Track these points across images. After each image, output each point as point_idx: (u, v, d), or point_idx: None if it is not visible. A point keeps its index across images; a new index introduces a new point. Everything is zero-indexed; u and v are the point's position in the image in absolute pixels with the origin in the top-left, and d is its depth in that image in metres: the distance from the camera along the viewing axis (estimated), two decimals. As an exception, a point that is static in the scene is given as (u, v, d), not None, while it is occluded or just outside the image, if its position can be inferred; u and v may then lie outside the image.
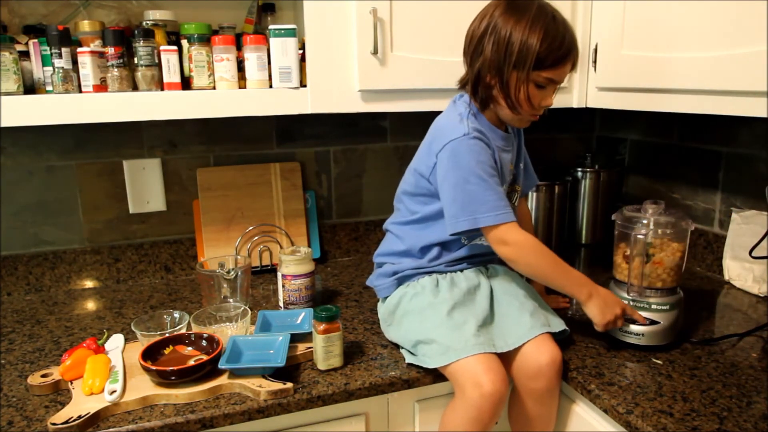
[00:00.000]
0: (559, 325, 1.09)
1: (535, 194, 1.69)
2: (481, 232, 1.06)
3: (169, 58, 1.24)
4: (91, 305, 1.39)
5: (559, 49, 1.00)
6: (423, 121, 1.20)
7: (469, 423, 0.98)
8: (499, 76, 1.03)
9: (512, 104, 1.04)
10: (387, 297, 1.18)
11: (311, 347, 1.07)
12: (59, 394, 0.99)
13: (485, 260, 1.18)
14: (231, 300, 1.26)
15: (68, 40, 1.20)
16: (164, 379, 0.97)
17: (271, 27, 1.26)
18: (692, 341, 1.12)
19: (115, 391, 0.94)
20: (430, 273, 1.14)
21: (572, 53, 1.03)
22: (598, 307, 1.04)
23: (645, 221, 1.08)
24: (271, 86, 1.29)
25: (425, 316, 1.08)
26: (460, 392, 1.00)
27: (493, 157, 1.06)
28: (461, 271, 1.15)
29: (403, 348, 1.11)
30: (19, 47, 1.22)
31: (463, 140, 1.03)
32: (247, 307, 1.17)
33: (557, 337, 1.07)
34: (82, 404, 0.93)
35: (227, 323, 1.13)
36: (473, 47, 1.06)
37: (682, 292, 1.11)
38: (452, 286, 1.11)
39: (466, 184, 1.02)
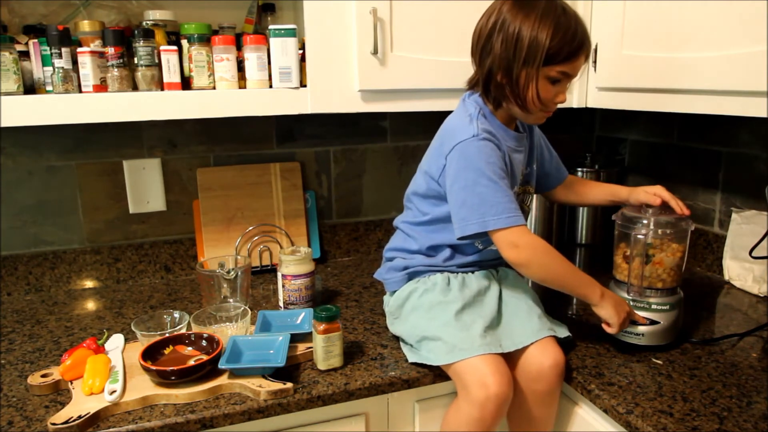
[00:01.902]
0: (563, 331, 1.09)
1: (535, 195, 1.68)
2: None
3: (169, 58, 1.24)
4: (91, 305, 1.39)
5: (572, 42, 0.99)
6: (423, 121, 1.21)
7: (472, 423, 0.98)
8: (509, 74, 1.01)
9: (522, 103, 1.03)
10: (395, 291, 1.17)
11: (311, 347, 1.07)
12: (59, 394, 0.99)
13: (495, 263, 1.18)
14: (231, 300, 1.26)
15: (68, 40, 1.20)
16: (164, 379, 0.97)
17: (271, 27, 1.26)
18: (692, 341, 1.12)
19: (115, 391, 0.94)
20: (441, 271, 1.14)
21: (585, 45, 1.01)
22: (612, 307, 1.03)
23: (645, 221, 1.08)
24: (271, 86, 1.29)
25: (434, 313, 1.08)
26: (465, 392, 1.00)
27: (503, 159, 1.05)
28: (472, 272, 1.15)
29: (405, 344, 1.11)
30: (19, 47, 1.22)
31: (472, 141, 1.02)
32: (247, 307, 1.17)
33: (560, 341, 1.07)
34: (82, 404, 0.93)
35: (227, 323, 1.13)
36: (482, 45, 1.04)
37: (682, 292, 1.11)
38: (463, 287, 1.11)
39: (476, 186, 1.01)
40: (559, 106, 1.05)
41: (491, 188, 1.00)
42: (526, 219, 1.16)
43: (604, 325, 1.05)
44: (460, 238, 1.04)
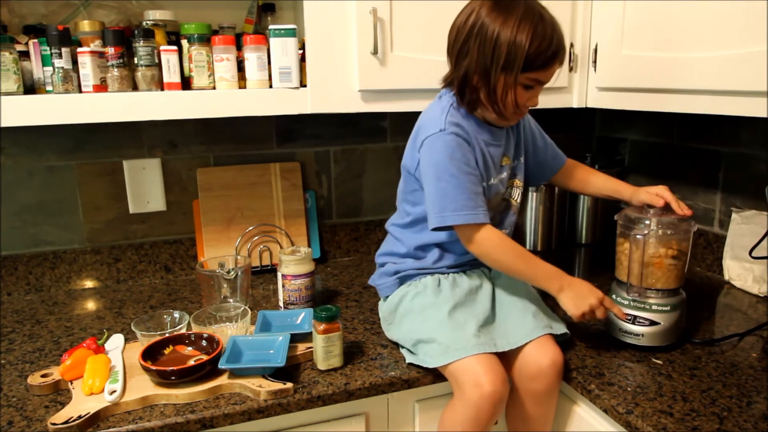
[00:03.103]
0: (561, 328, 1.09)
1: (535, 194, 1.69)
2: None
3: (169, 58, 1.24)
4: (91, 305, 1.39)
5: (547, 49, 0.98)
6: (423, 121, 1.20)
7: (468, 423, 0.98)
8: (485, 78, 1.01)
9: (499, 109, 1.03)
10: (388, 296, 1.18)
11: (311, 347, 1.07)
12: (59, 394, 0.99)
13: None
14: (231, 300, 1.26)
15: (68, 40, 1.20)
16: (164, 379, 0.97)
17: (271, 27, 1.26)
18: (695, 341, 1.12)
19: (115, 391, 0.94)
20: (432, 273, 1.14)
21: (560, 53, 1.01)
22: (570, 299, 1.03)
23: (647, 222, 1.08)
24: (271, 86, 1.29)
25: (426, 315, 1.08)
26: (460, 392, 1.00)
27: (473, 153, 1.05)
28: (463, 272, 1.15)
29: (403, 347, 1.11)
30: (19, 47, 1.22)
31: (439, 136, 1.03)
32: (247, 307, 1.17)
33: (558, 339, 1.07)
34: (82, 404, 0.93)
35: (227, 323, 1.13)
36: (459, 47, 1.03)
37: (684, 293, 1.11)
38: (454, 286, 1.11)
39: (439, 181, 1.02)
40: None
41: (452, 183, 1.01)
42: (515, 212, 1.17)
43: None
44: (433, 229, 1.06)
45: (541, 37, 0.97)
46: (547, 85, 1.06)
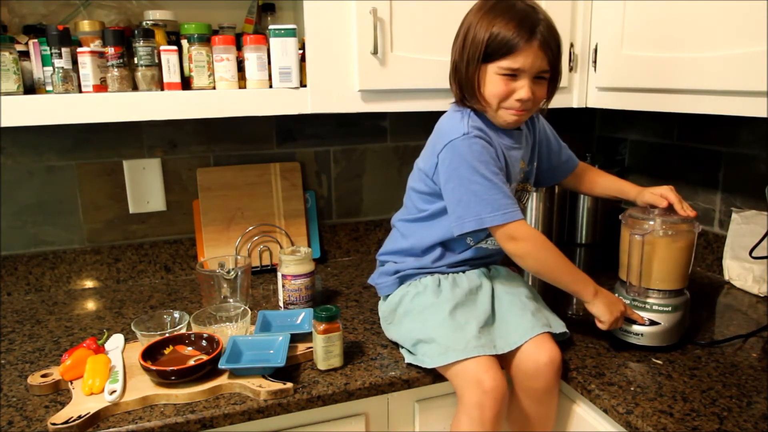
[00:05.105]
0: (560, 326, 1.09)
1: (535, 194, 1.69)
2: (487, 233, 1.06)
3: (169, 58, 1.24)
4: (91, 305, 1.39)
5: (512, 36, 0.97)
6: (423, 121, 1.21)
7: (475, 423, 0.98)
8: (459, 72, 1.03)
9: (478, 101, 1.03)
10: (388, 295, 1.17)
11: (311, 347, 1.07)
12: (59, 394, 0.99)
13: (488, 261, 1.18)
14: (231, 300, 1.26)
15: (68, 40, 1.20)
16: (164, 379, 0.97)
17: (271, 27, 1.26)
18: (700, 343, 1.11)
19: (115, 391, 0.94)
20: (432, 273, 1.14)
21: (531, 40, 0.98)
22: (605, 305, 1.03)
23: (651, 222, 1.08)
24: (271, 86, 1.29)
25: (426, 315, 1.08)
26: (461, 395, 1.00)
27: (497, 155, 1.05)
28: (463, 272, 1.15)
29: (402, 347, 1.11)
30: (19, 47, 1.22)
31: (463, 140, 1.02)
32: (247, 307, 1.17)
33: (557, 339, 1.07)
34: (82, 404, 0.93)
35: (227, 323, 1.13)
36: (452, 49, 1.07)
37: (688, 293, 1.10)
38: (454, 287, 1.11)
39: (471, 185, 1.01)
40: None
41: (485, 185, 1.01)
42: (522, 213, 1.16)
43: (597, 322, 1.06)
44: (458, 236, 1.05)
45: (503, 24, 0.98)
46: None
